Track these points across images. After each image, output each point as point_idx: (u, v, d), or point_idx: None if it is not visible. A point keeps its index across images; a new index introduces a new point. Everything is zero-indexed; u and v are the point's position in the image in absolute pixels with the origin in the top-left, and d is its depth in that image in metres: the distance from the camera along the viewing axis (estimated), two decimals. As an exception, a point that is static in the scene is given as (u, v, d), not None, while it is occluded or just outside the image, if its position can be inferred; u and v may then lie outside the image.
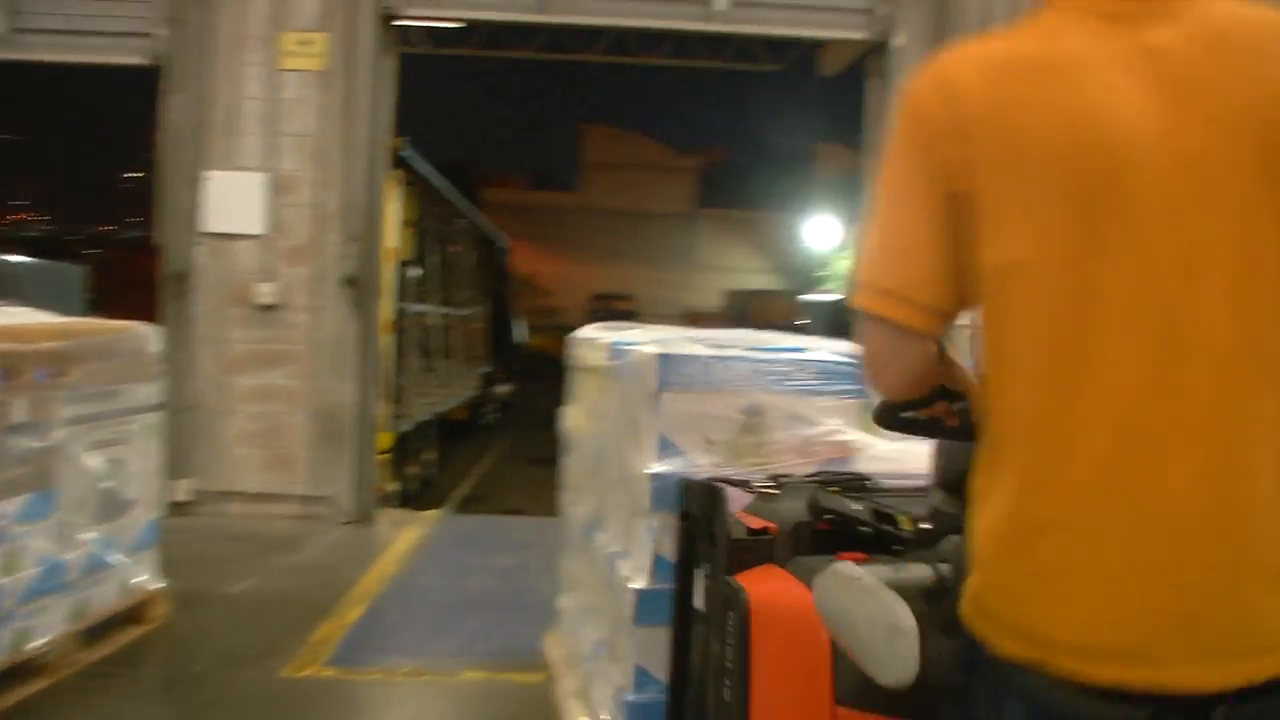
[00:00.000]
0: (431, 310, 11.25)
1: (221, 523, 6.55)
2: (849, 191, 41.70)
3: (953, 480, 1.71)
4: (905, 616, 1.37)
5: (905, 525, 1.88)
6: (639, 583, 2.54)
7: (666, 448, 2.50)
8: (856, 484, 2.29)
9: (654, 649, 2.50)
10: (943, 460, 1.78)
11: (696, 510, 2.33)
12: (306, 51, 6.66)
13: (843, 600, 1.47)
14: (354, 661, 4.22)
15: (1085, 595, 1.12)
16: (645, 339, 3.02)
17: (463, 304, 13.94)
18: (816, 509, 2.09)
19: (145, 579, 4.41)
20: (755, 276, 41.05)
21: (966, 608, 1.25)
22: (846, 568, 1.50)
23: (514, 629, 4.66)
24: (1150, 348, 1.11)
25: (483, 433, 14.50)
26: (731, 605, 1.94)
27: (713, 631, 2.06)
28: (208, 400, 6.67)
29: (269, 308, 6.69)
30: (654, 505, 2.49)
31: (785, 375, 2.56)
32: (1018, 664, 1.16)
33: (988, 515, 1.21)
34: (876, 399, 1.67)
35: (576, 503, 3.58)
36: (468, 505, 9.77)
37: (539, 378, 23.18)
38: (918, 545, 1.77)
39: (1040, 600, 1.15)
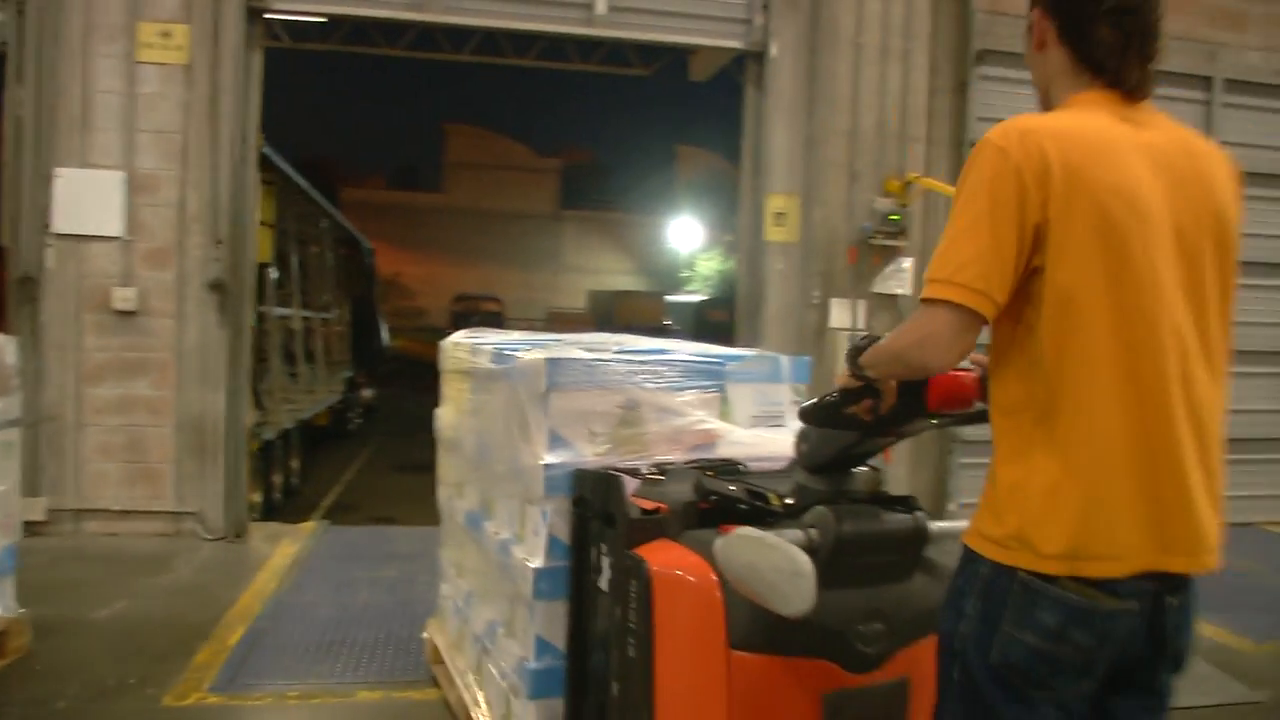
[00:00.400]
0: (293, 313, 10.89)
1: (80, 543, 6.13)
2: (710, 194, 42.50)
3: (818, 463, 2.17)
4: (805, 562, 1.80)
5: (774, 501, 2.23)
6: (536, 562, 2.76)
7: (556, 441, 2.75)
8: (729, 469, 2.64)
9: (552, 621, 2.75)
10: (808, 447, 2.18)
11: (590, 495, 2.59)
12: (167, 44, 6.30)
13: (748, 556, 1.87)
14: (240, 687, 4.01)
15: (1110, 518, 1.65)
16: (524, 343, 3.36)
17: (325, 307, 13.56)
18: (701, 490, 2.41)
19: (1, 608, 4.08)
20: (619, 278, 41.35)
21: (997, 547, 1.71)
22: (750, 531, 1.89)
23: (406, 644, 4.53)
24: (1161, 356, 1.66)
25: (347, 439, 14.09)
26: (633, 575, 2.24)
27: (615, 599, 2.35)
28: (61, 412, 6.24)
29: (128, 314, 6.29)
30: (547, 492, 2.71)
31: (655, 373, 2.86)
32: (1054, 578, 1.65)
33: (1041, 472, 1.67)
34: (807, 399, 2.22)
35: (457, 497, 3.81)
36: (336, 514, 9.57)
37: (402, 381, 22.76)
38: (787, 516, 2.16)
39: (1081, 528, 1.64)
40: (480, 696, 3.30)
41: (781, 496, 2.23)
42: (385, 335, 20.24)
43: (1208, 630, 4.88)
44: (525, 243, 41.71)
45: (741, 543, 1.90)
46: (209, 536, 6.35)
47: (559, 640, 2.75)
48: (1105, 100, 1.76)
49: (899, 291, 6.84)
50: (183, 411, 6.37)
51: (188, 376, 6.38)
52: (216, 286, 6.36)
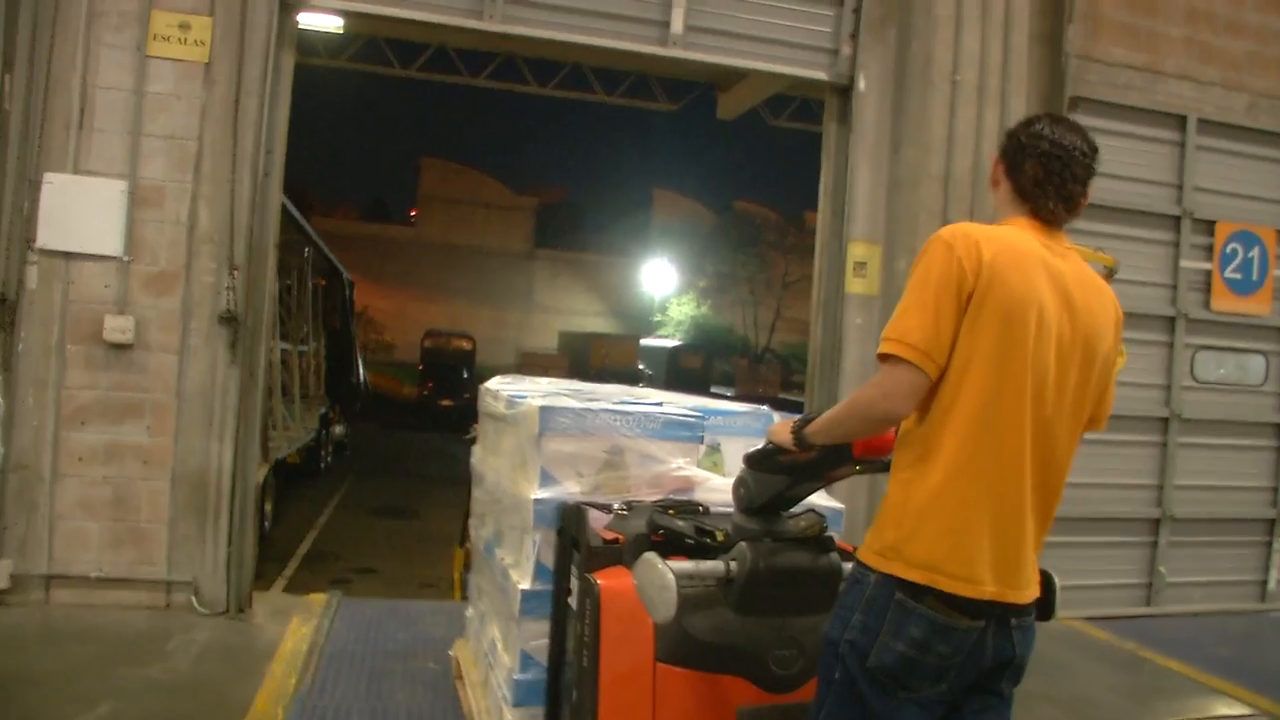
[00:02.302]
0: (272, 345, 9.98)
1: (51, 617, 5.07)
2: (684, 237, 42.05)
3: (755, 506, 2.47)
4: (669, 576, 2.22)
5: (720, 538, 2.51)
6: (525, 584, 3.07)
7: (547, 479, 3.08)
8: (690, 508, 2.81)
9: (537, 637, 3.04)
10: (745, 491, 2.49)
11: (568, 526, 2.90)
12: (185, 37, 5.38)
13: (639, 574, 2.29)
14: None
15: (966, 544, 2.09)
16: (533, 391, 3.69)
17: (303, 339, 12.65)
18: (652, 525, 2.63)
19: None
20: (591, 319, 40.56)
21: (877, 556, 2.15)
22: (648, 555, 2.30)
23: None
24: (1023, 422, 2.11)
25: (319, 479, 13.12)
26: (589, 594, 2.52)
27: (578, 616, 2.64)
28: (34, 459, 5.21)
29: (123, 346, 5.30)
30: (536, 523, 3.03)
31: (640, 424, 3.13)
32: (920, 585, 2.08)
33: (916, 497, 2.12)
34: (758, 446, 2.50)
35: (481, 526, 4.08)
36: (314, 564, 9.10)
37: (371, 417, 21.61)
38: (723, 551, 2.44)
39: (941, 546, 2.08)
40: (484, 706, 3.56)
41: (726, 534, 2.53)
42: (362, 371, 19.29)
43: None
44: (497, 280, 40.70)
45: (638, 564, 2.29)
46: (206, 611, 5.33)
47: (542, 655, 3.03)
48: (1030, 226, 2.24)
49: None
50: (182, 463, 5.37)
51: (190, 422, 5.39)
52: (228, 319, 5.40)
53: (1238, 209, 6.89)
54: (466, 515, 9.09)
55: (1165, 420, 6.81)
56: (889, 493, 2.17)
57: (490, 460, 3.92)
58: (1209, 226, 6.86)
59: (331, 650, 4.93)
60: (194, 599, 5.35)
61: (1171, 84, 6.72)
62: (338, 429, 15.32)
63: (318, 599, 5.86)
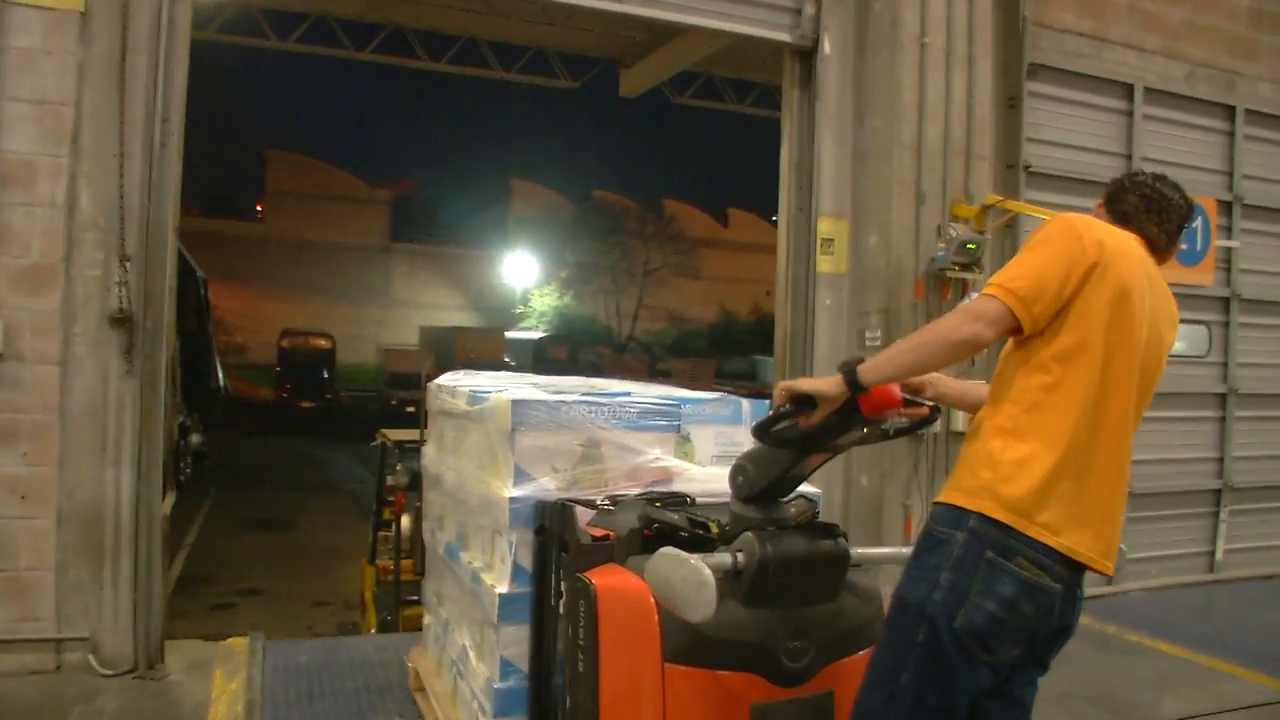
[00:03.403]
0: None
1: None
2: (544, 228, 41.34)
3: (754, 492, 2.39)
4: (707, 573, 2.01)
5: (714, 530, 2.40)
6: (502, 588, 2.86)
7: (521, 476, 2.86)
8: (677, 501, 2.69)
9: (517, 643, 2.86)
10: (744, 478, 2.40)
11: (550, 525, 2.73)
12: (54, -20, 4.38)
13: (664, 571, 2.08)
14: None
15: (1069, 503, 2.12)
16: (492, 386, 3.37)
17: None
18: (646, 519, 2.50)
19: None
20: (452, 313, 39.17)
21: (968, 495, 2.15)
22: (668, 549, 2.11)
23: None
24: (1128, 399, 2.20)
25: (180, 494, 11.93)
26: (582, 596, 2.38)
27: (568, 619, 2.48)
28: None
29: (-13, 357, 4.29)
30: (512, 523, 2.82)
31: (614, 414, 2.94)
32: (1012, 541, 2.09)
33: (1017, 449, 2.14)
34: (761, 416, 2.38)
35: (439, 529, 3.83)
36: (190, 587, 8.48)
37: (229, 424, 20.12)
38: (722, 543, 2.35)
39: (1040, 497, 2.10)
40: (455, 717, 3.35)
41: (721, 525, 2.38)
42: (221, 375, 17.84)
43: None
44: (353, 276, 38.74)
45: (660, 560, 2.10)
46: (108, 671, 4.36)
47: (523, 662, 2.85)
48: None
49: (966, 332, 5.67)
50: (69, 496, 4.38)
51: (77, 446, 4.40)
52: (121, 321, 4.44)
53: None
54: (375, 528, 8.26)
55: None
56: (981, 444, 2.20)
57: (449, 460, 3.68)
58: (1154, 197, 6.70)
59: (274, 712, 4.08)
60: (92, 658, 4.38)
61: (1118, 51, 6.52)
62: (195, 438, 14.11)
63: (238, 644, 4.94)
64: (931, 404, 2.43)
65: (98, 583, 4.42)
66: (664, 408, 3.05)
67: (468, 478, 3.32)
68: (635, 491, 2.84)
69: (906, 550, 2.31)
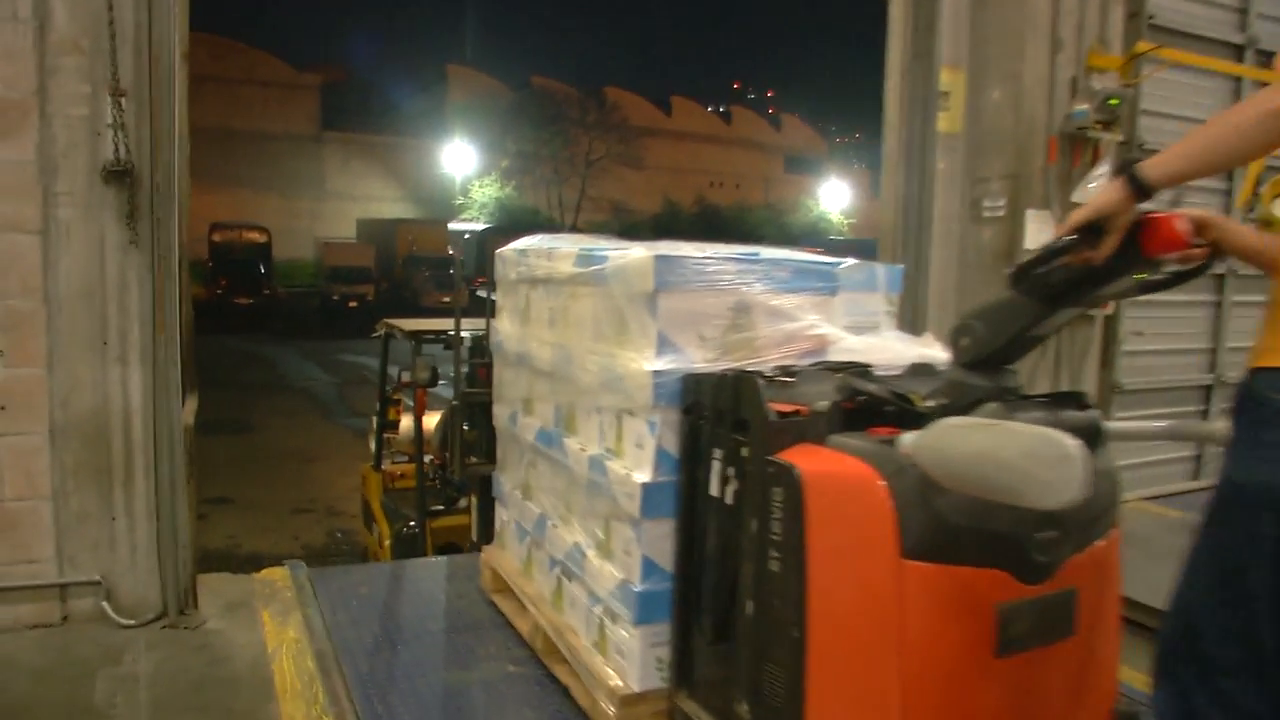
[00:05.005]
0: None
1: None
2: (483, 116, 39.58)
3: (984, 355, 2.00)
4: (1072, 443, 1.62)
5: (917, 402, 2.06)
6: (643, 477, 2.47)
7: (665, 346, 2.48)
8: (860, 370, 2.34)
9: (659, 540, 2.49)
10: (971, 339, 2.00)
11: (714, 400, 2.32)
12: None
13: (983, 444, 1.73)
14: None
15: None
16: (595, 246, 2.94)
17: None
18: (848, 390, 2.14)
19: None
20: (389, 205, 37.37)
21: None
22: (970, 420, 1.86)
23: None
24: None
25: None
26: (777, 482, 2.02)
27: (748, 511, 2.13)
28: None
29: (-59, 224, 3.18)
30: (657, 401, 2.43)
31: (766, 274, 2.59)
32: None
33: None
34: (1016, 263, 2.00)
35: (525, 414, 3.36)
36: None
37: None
38: (923, 419, 1.93)
39: None
40: (561, 623, 2.98)
41: (924, 398, 2.08)
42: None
43: None
44: (283, 167, 36.40)
45: (966, 431, 1.79)
46: (129, 622, 3.43)
47: (666, 561, 2.50)
48: None
49: (1094, 202, 4.87)
50: (64, 405, 3.36)
51: (70, 340, 3.36)
52: (118, 175, 3.35)
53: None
54: (380, 430, 7.30)
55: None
56: None
57: (541, 334, 3.21)
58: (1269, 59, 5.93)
59: (354, 666, 3.19)
60: (106, 605, 3.43)
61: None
62: None
63: (278, 576, 4.01)
64: (1208, 245, 2.02)
65: (107, 512, 3.43)
66: (820, 268, 2.70)
67: (578, 352, 2.86)
68: (806, 362, 2.47)
69: (1159, 424, 1.99)
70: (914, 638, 1.84)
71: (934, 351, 2.63)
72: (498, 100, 40.46)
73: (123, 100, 3.33)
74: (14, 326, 3.28)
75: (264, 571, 4.07)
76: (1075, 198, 4.80)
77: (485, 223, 35.37)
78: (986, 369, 2.03)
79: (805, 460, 2.01)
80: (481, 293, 5.04)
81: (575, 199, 40.01)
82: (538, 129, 39.20)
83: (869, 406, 2.13)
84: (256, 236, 28.56)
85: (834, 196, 48.36)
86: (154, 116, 3.38)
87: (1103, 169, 4.77)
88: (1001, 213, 4.82)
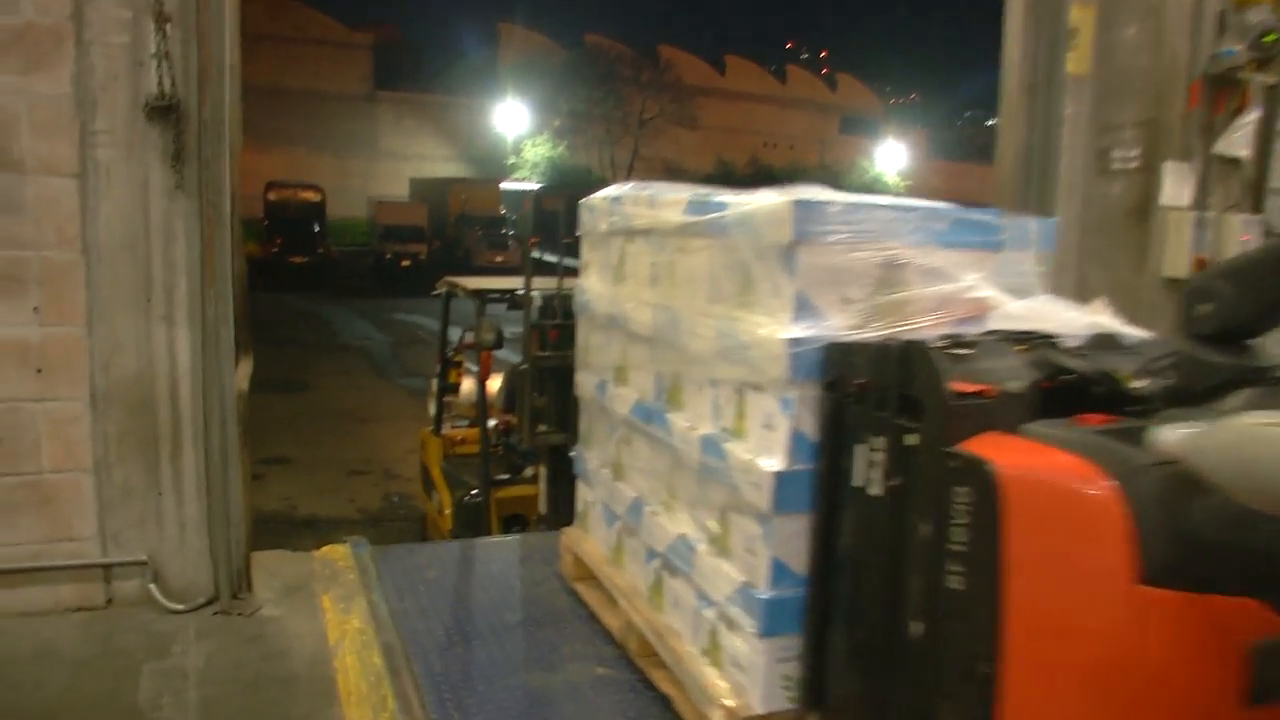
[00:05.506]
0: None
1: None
2: (535, 75, 38.98)
3: (1232, 326, 1.60)
4: None
5: (1127, 382, 1.74)
6: (775, 464, 2.10)
7: (804, 308, 2.10)
8: (1044, 343, 1.95)
9: (791, 540, 2.13)
10: (1217, 305, 1.62)
11: (871, 377, 1.95)
12: None
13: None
14: None
15: None
16: (710, 194, 2.56)
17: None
18: (1051, 368, 1.82)
19: None
20: (441, 164, 37.09)
21: None
22: (1245, 404, 1.45)
23: None
24: None
25: None
26: (963, 480, 1.65)
27: (914, 511, 1.79)
28: None
29: (-31, 165, 2.83)
30: (793, 375, 2.06)
31: (921, 225, 2.22)
32: None
33: None
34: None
35: (617, 384, 3.00)
36: None
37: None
38: (1165, 404, 1.62)
39: None
40: (662, 624, 2.62)
41: (1135, 377, 1.73)
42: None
43: None
44: (338, 126, 36.24)
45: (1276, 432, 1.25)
46: (179, 607, 3.11)
47: (799, 564, 2.13)
48: None
49: (1242, 154, 4.31)
50: (106, 369, 3.02)
51: (111, 297, 3.01)
52: (163, 111, 2.98)
53: None
54: (441, 393, 6.95)
55: None
56: None
57: (641, 294, 2.84)
58: None
59: (424, 662, 2.83)
60: (154, 587, 3.12)
61: None
62: None
63: (338, 554, 3.69)
64: None
65: (154, 486, 3.11)
66: (982, 222, 2.33)
67: (687, 314, 2.51)
68: (975, 331, 2.06)
69: None
70: (1151, 683, 1.47)
71: (1108, 321, 2.21)
72: (550, 59, 39.87)
73: (167, 27, 2.95)
74: (50, 280, 2.94)
75: (323, 549, 3.75)
76: (1218, 149, 4.24)
77: (538, 183, 35.04)
78: (1226, 343, 1.63)
79: (1000, 454, 1.62)
80: (535, 253, 4.70)
81: (628, 159, 39.39)
82: (590, 88, 38.58)
83: (1072, 388, 1.76)
84: (311, 195, 28.46)
85: (890, 158, 47.17)
86: (202, 45, 3.00)
87: (1251, 115, 4.19)
88: (1134, 164, 4.27)
